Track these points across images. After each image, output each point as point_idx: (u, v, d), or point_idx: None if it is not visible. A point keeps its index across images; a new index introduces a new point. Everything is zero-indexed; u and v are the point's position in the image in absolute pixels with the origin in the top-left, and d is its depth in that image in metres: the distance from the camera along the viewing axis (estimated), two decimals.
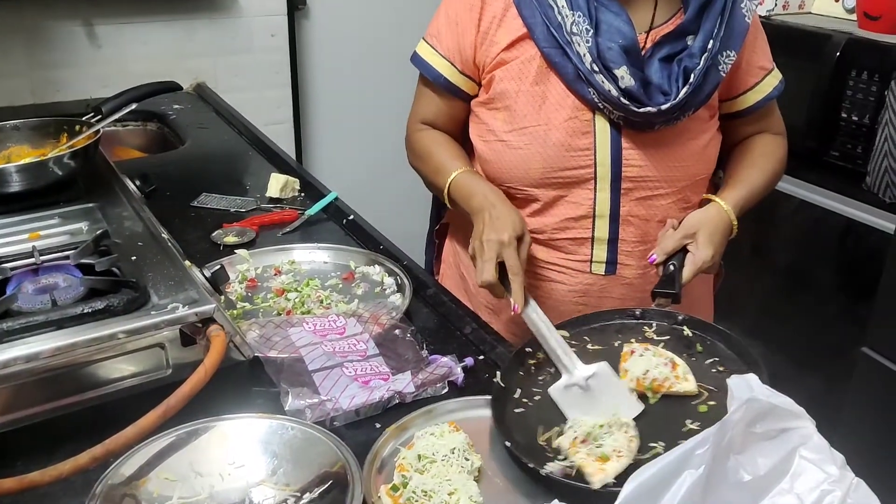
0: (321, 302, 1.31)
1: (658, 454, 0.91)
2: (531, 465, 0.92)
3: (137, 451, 0.91)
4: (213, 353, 0.96)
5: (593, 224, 1.30)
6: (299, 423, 0.97)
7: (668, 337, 1.13)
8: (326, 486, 0.88)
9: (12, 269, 1.09)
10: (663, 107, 1.21)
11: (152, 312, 1.00)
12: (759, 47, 1.35)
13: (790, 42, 2.16)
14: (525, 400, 1.06)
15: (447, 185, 1.33)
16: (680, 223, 1.26)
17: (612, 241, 1.31)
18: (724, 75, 1.26)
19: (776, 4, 2.24)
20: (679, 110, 1.24)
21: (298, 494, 0.88)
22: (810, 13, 2.39)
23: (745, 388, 0.77)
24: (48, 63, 2.41)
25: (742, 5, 1.27)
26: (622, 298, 1.33)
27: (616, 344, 1.13)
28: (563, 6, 1.22)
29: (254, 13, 2.65)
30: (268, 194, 1.72)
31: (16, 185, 1.28)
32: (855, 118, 2.10)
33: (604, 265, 1.32)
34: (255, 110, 2.49)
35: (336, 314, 1.24)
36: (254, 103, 2.63)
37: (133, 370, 1.00)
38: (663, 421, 0.99)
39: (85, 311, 0.98)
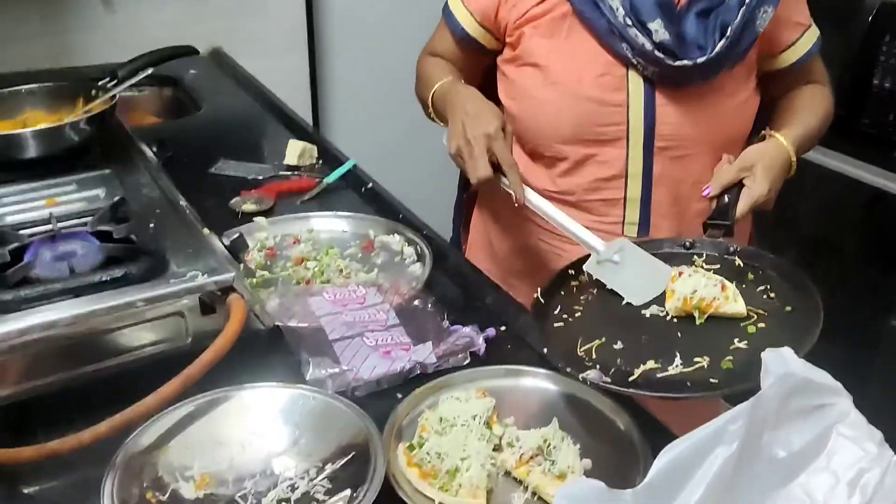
0: (341, 271, 1.29)
1: (702, 368, 0.93)
2: (569, 370, 0.93)
3: (157, 420, 0.90)
4: (234, 322, 0.95)
5: (626, 184, 1.27)
6: (321, 392, 0.96)
7: (717, 266, 1.12)
8: (349, 457, 0.87)
9: (30, 236, 1.08)
10: (699, 60, 1.18)
11: (171, 281, 0.98)
12: (796, 3, 1.31)
13: (820, 5, 2.09)
14: (565, 316, 1.07)
15: (431, 96, 1.32)
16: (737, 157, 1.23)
17: (645, 202, 1.28)
18: (760, 31, 1.22)
19: None
20: (715, 66, 1.20)
21: (320, 465, 0.87)
22: None
23: (780, 362, 0.74)
24: (64, 28, 2.37)
25: None
26: None
27: None
28: None
29: None
30: (286, 161, 1.70)
31: (32, 151, 1.27)
32: (887, 85, 2.04)
33: (636, 226, 1.30)
34: (272, 75, 2.45)
35: (356, 284, 1.23)
36: (270, 68, 2.58)
37: (152, 339, 0.99)
38: (711, 338, 0.98)
39: (103, 278, 0.96)
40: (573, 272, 1.14)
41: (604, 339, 1.00)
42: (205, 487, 0.85)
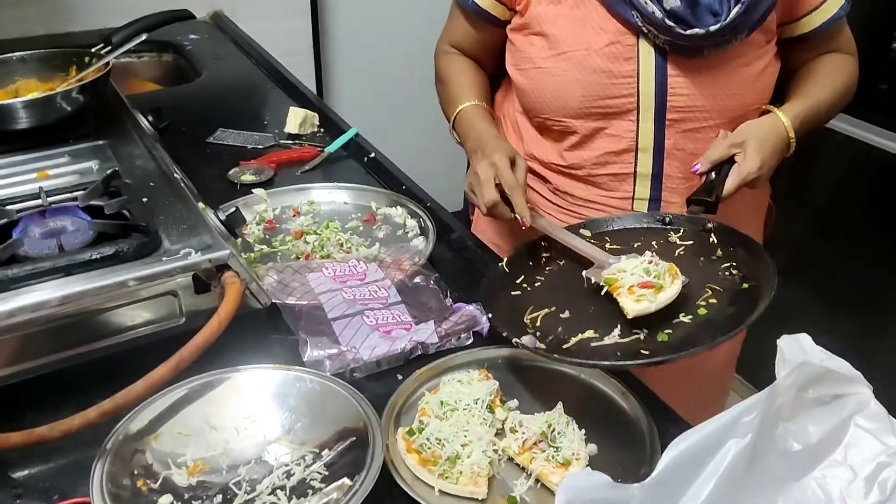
0: (341, 245, 1.26)
1: (638, 339, 0.93)
2: (504, 334, 0.95)
3: (149, 404, 0.87)
4: (228, 302, 0.92)
5: (636, 158, 1.23)
6: (318, 375, 0.93)
7: (691, 241, 1.10)
8: (347, 443, 0.84)
9: (18, 211, 1.05)
10: (712, 28, 1.12)
11: (164, 258, 0.95)
12: None
13: None
14: (525, 285, 1.08)
15: (453, 118, 1.32)
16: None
17: (656, 177, 1.24)
18: None
19: None
20: (730, 33, 1.13)
21: (317, 451, 0.85)
22: None
23: (798, 349, 0.71)
24: None
25: None
26: None
27: (636, 245, 1.12)
28: None
29: None
30: (286, 130, 1.65)
31: (23, 122, 1.23)
32: None
33: (646, 202, 1.26)
34: (274, 40, 2.39)
35: (356, 259, 1.19)
36: (272, 32, 2.52)
37: (145, 319, 0.95)
38: (658, 312, 0.95)
39: (93, 256, 0.93)
40: (545, 244, 1.15)
41: (553, 309, 1.01)
42: (197, 474, 0.82)
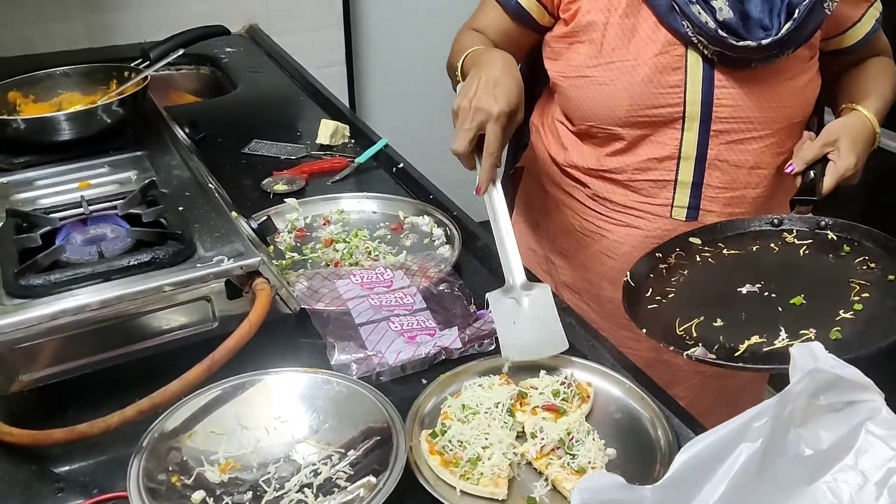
0: (369, 253, 1.29)
1: (810, 339, 0.92)
2: (672, 349, 0.95)
3: (184, 404, 0.91)
4: (258, 308, 0.96)
5: (677, 166, 1.25)
6: (344, 378, 0.96)
7: (810, 241, 1.12)
8: (371, 443, 0.87)
9: (61, 219, 1.09)
10: (763, 42, 1.14)
11: (198, 265, 0.99)
12: None
13: None
14: (658, 297, 1.07)
15: (461, 60, 1.24)
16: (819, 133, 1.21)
17: (696, 185, 1.26)
18: (829, 13, 1.18)
19: None
20: (779, 47, 1.16)
21: (342, 451, 0.88)
22: None
23: (809, 357, 0.72)
24: (102, 6, 2.40)
25: None
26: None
27: (754, 249, 1.14)
28: None
29: None
30: (318, 141, 1.70)
31: (66, 134, 1.28)
32: None
33: (685, 210, 1.27)
34: (308, 53, 2.45)
35: (384, 266, 1.22)
36: (306, 46, 2.58)
37: (179, 322, 0.99)
38: (814, 312, 0.97)
39: (131, 263, 0.97)
40: (660, 255, 1.15)
41: (702, 318, 1.01)
42: (229, 471, 0.86)
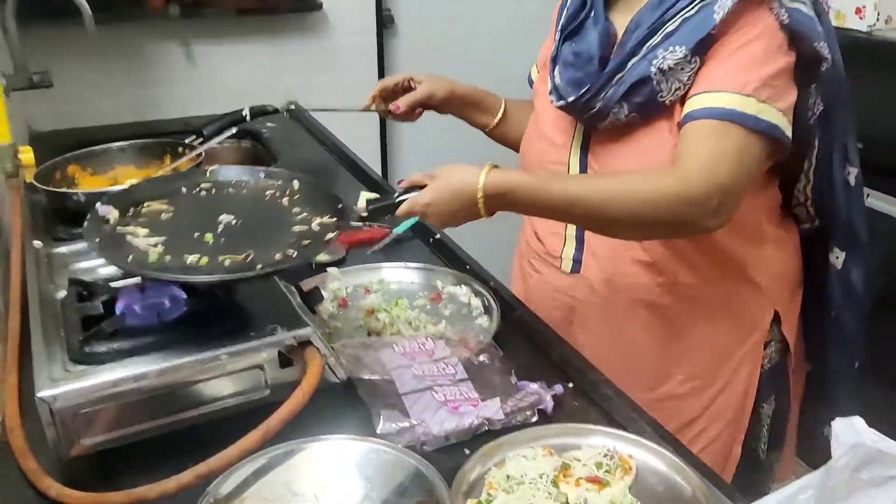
0: (410, 323, 1.33)
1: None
2: None
3: (237, 469, 0.93)
4: (311, 376, 0.99)
5: None
6: (391, 446, 0.99)
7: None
8: None
9: (120, 288, 1.14)
10: (570, 99, 1.24)
11: (252, 334, 1.03)
12: (724, 59, 1.13)
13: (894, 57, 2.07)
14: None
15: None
16: None
17: (580, 239, 1.33)
18: (653, 69, 1.15)
19: (878, 19, 2.15)
20: (600, 103, 1.21)
21: None
22: None
23: (851, 431, 0.74)
24: (148, 82, 2.52)
25: (717, 4, 1.12)
26: (586, 301, 1.35)
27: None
28: (567, 9, 1.31)
29: (344, 32, 2.72)
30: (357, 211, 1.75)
31: None
32: None
33: (571, 262, 1.35)
34: (344, 127, 2.53)
35: (425, 336, 1.26)
36: (343, 120, 2.65)
37: (233, 390, 1.03)
38: None
39: (189, 332, 1.02)
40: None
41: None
42: None
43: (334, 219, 1.11)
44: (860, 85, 2.17)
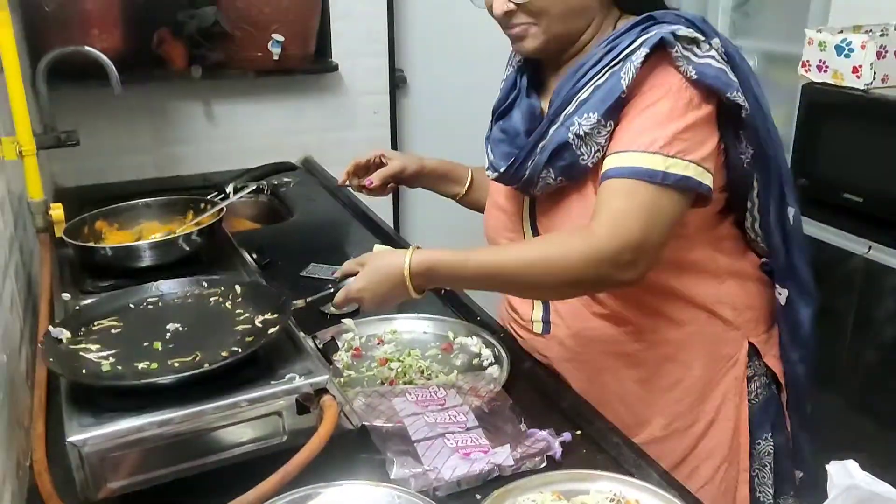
0: (422, 372, 1.37)
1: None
2: None
3: None
4: (327, 423, 1.03)
5: None
6: (405, 491, 1.02)
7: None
8: None
9: None
10: (501, 169, 1.31)
11: (271, 382, 1.07)
12: (632, 118, 1.17)
13: (891, 114, 2.13)
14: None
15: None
16: None
17: (545, 301, 1.37)
18: (570, 135, 1.20)
19: (874, 78, 2.22)
20: (528, 171, 1.27)
21: None
22: None
23: (845, 474, 0.78)
24: (170, 140, 2.60)
25: (623, 70, 1.17)
26: (560, 357, 1.38)
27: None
28: (501, 91, 1.40)
29: (359, 92, 2.81)
30: None
31: (147, 260, 1.41)
32: None
33: (542, 324, 1.39)
34: None
35: (437, 385, 1.30)
36: None
37: (252, 436, 1.07)
38: None
39: (210, 379, 1.06)
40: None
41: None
42: None
43: (276, 315, 1.19)
44: (859, 140, 2.26)
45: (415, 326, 1.54)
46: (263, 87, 2.65)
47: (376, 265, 1.24)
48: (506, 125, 1.36)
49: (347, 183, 1.60)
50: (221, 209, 1.51)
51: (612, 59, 1.18)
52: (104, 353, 1.11)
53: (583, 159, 1.22)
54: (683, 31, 1.15)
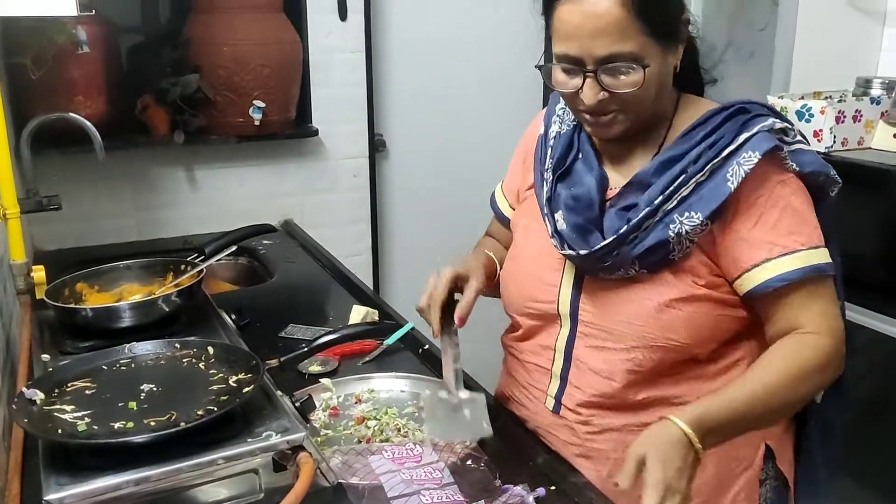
0: (399, 430, 1.38)
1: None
2: None
3: None
4: (303, 479, 1.04)
5: (553, 357, 1.34)
6: None
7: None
8: None
9: None
10: (582, 252, 1.22)
11: (248, 440, 1.09)
12: (774, 223, 1.17)
13: (853, 177, 2.20)
14: None
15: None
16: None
17: (563, 380, 1.32)
18: (672, 235, 1.18)
19: (835, 141, 2.31)
20: (612, 259, 1.21)
21: None
22: (870, 148, 2.43)
23: None
24: (152, 204, 2.63)
25: (729, 171, 1.17)
26: (565, 443, 1.33)
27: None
28: (553, 150, 1.34)
29: (339, 156, 2.87)
30: (350, 324, 1.83)
31: (127, 321, 1.43)
32: None
33: (553, 401, 1.34)
34: (337, 243, 2.66)
35: (413, 442, 1.31)
36: (336, 237, 2.80)
37: (229, 494, 1.08)
38: None
39: (187, 438, 1.07)
40: None
41: None
42: None
43: (250, 374, 1.22)
44: None
45: (392, 385, 1.55)
46: (245, 151, 2.70)
47: (657, 447, 1.04)
48: (578, 192, 1.27)
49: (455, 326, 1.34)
50: (201, 270, 1.53)
51: (714, 157, 1.18)
52: (79, 414, 1.12)
53: (672, 255, 1.21)
54: (779, 124, 1.20)
